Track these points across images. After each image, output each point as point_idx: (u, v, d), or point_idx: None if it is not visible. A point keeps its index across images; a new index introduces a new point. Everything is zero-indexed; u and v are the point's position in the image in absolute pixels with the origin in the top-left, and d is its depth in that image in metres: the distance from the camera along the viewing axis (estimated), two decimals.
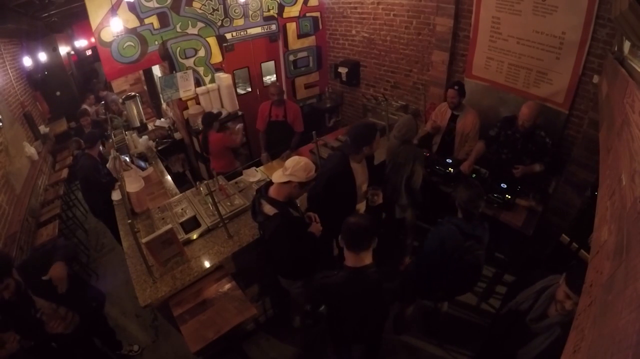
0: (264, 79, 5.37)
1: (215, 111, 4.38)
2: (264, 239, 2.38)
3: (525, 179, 3.16)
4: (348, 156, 2.50)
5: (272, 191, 2.18)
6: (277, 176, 2.12)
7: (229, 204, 2.91)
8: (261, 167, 3.68)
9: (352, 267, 1.80)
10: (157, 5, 3.91)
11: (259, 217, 2.21)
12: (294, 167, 2.07)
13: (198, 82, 4.56)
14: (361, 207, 2.78)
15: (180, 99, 4.53)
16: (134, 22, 3.86)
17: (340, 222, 1.84)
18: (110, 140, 4.40)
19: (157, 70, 6.09)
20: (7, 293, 1.98)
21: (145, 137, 4.70)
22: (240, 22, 4.59)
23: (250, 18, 4.64)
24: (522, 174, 3.05)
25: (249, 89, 5.27)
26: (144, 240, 2.25)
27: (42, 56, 6.59)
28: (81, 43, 8.00)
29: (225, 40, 4.58)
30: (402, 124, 2.97)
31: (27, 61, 6.32)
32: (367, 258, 1.80)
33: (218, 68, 4.67)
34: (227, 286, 2.38)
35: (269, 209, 2.13)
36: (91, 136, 3.86)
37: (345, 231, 1.77)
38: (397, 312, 2.96)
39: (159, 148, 4.82)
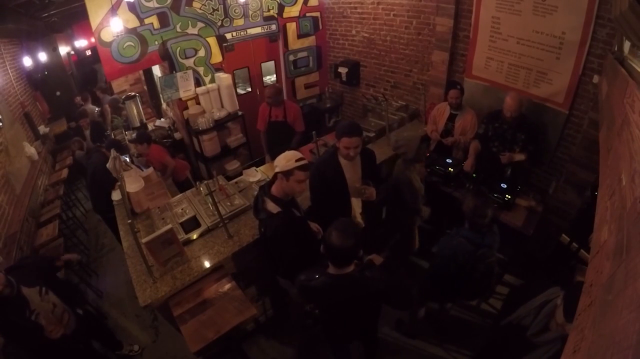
0: (264, 79, 5.37)
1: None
2: (264, 238, 2.37)
3: (526, 178, 3.17)
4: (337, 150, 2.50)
5: (274, 189, 2.18)
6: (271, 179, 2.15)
7: (229, 204, 2.91)
8: (261, 167, 3.67)
9: (334, 275, 1.79)
10: (157, 5, 3.91)
11: (261, 215, 2.20)
12: (276, 162, 2.09)
13: (198, 82, 4.56)
14: (356, 204, 2.74)
15: (180, 99, 4.52)
16: (134, 22, 3.86)
17: (335, 216, 1.83)
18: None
19: (157, 71, 6.08)
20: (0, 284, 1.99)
21: None
22: (240, 22, 4.59)
23: (250, 18, 4.64)
24: (508, 160, 3.11)
25: (249, 89, 5.27)
26: (144, 240, 2.24)
27: (42, 56, 6.59)
28: (81, 43, 7.98)
29: (225, 40, 4.58)
30: (403, 140, 2.75)
31: (27, 61, 6.32)
32: (350, 267, 1.78)
33: (218, 68, 4.67)
34: (227, 286, 2.38)
35: (272, 207, 2.12)
36: (113, 141, 3.99)
37: (328, 248, 1.73)
38: (409, 314, 2.96)
39: None
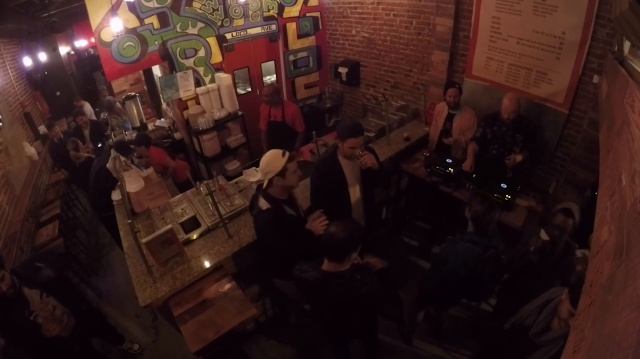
0: (264, 79, 5.37)
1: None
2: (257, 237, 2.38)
3: (525, 178, 3.17)
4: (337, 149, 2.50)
5: (271, 191, 2.19)
6: (264, 184, 2.16)
7: (229, 204, 2.91)
8: None
9: (326, 271, 1.80)
10: (157, 5, 3.91)
11: (253, 211, 2.23)
12: (265, 168, 2.11)
13: (198, 82, 4.56)
14: (357, 204, 2.73)
15: (180, 99, 4.52)
16: (134, 22, 3.86)
17: (335, 213, 1.82)
18: (110, 140, 4.41)
19: (157, 70, 6.09)
20: (4, 284, 2.00)
21: None
22: (240, 22, 4.59)
23: (250, 18, 4.64)
24: (513, 163, 3.09)
25: (249, 89, 5.27)
26: (143, 240, 2.24)
27: (42, 56, 6.58)
28: (81, 43, 7.99)
29: (225, 40, 4.58)
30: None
31: (27, 61, 6.32)
32: (344, 266, 1.79)
33: (218, 68, 4.67)
34: (227, 286, 2.38)
35: (262, 203, 2.15)
36: (120, 142, 3.96)
37: (325, 240, 1.75)
38: (408, 318, 2.95)
39: None
